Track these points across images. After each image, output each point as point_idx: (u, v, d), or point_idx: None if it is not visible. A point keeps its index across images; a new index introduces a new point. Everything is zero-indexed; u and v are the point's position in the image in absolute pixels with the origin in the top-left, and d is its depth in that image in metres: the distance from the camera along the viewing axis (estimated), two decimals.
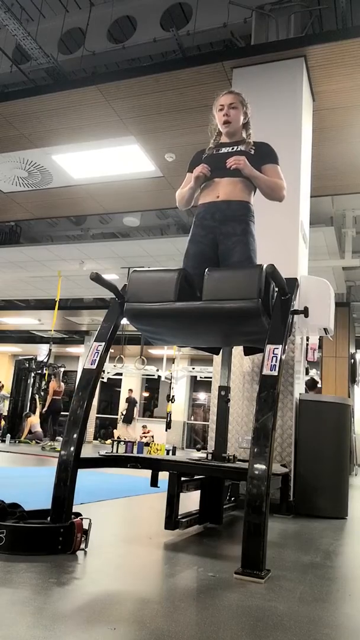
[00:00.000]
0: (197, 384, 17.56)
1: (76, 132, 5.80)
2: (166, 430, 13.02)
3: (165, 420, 12.85)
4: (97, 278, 2.39)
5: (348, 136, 5.37)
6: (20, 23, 5.77)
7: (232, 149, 2.75)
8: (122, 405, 17.01)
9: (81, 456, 2.11)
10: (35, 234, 10.57)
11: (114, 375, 14.27)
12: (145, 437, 14.80)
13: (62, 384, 12.74)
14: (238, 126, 2.79)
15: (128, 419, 14.73)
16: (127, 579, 1.78)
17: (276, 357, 2.09)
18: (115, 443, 10.60)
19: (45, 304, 13.24)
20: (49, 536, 1.88)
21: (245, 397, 3.69)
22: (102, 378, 11.70)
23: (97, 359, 2.29)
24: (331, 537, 2.84)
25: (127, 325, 2.75)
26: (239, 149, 2.73)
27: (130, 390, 15.74)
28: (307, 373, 5.46)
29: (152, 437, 14.94)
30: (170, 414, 12.75)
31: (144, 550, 2.18)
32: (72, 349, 18.41)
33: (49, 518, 2.00)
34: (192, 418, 17.95)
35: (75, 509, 2.03)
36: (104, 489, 4.04)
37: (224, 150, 2.78)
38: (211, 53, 5.84)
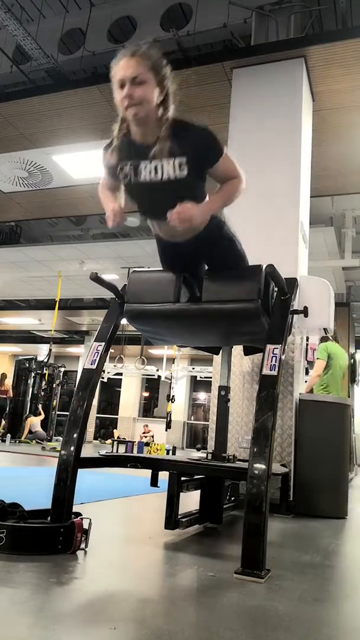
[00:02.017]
0: (197, 384, 17.55)
1: (76, 132, 5.80)
2: (166, 430, 13.01)
3: (165, 420, 12.85)
4: (96, 278, 2.40)
5: (348, 136, 5.37)
6: (21, 23, 5.77)
7: (156, 171, 1.97)
8: (123, 405, 17.03)
9: (81, 456, 2.11)
10: (35, 234, 10.57)
11: (114, 375, 14.26)
12: (146, 437, 14.80)
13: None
14: (151, 109, 1.94)
15: None
16: (127, 578, 1.78)
17: (276, 357, 2.09)
18: (115, 443, 10.62)
19: (45, 304, 13.24)
20: (49, 536, 1.88)
21: (245, 397, 3.69)
22: (102, 378, 11.70)
23: (97, 359, 2.29)
24: (331, 536, 2.84)
25: (127, 325, 2.76)
26: (165, 174, 1.96)
27: None
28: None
29: (152, 437, 14.94)
30: (170, 414, 12.75)
31: (144, 550, 2.18)
32: (72, 349, 18.41)
33: (49, 518, 2.00)
34: (192, 418, 17.94)
35: (75, 508, 2.04)
36: (104, 489, 4.04)
37: (143, 173, 1.98)
38: (211, 53, 5.84)
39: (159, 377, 14.30)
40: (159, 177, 1.98)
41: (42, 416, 12.53)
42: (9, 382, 14.00)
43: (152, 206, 2.12)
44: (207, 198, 2.12)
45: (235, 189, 2.16)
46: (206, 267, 2.40)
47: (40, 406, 12.74)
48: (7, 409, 13.15)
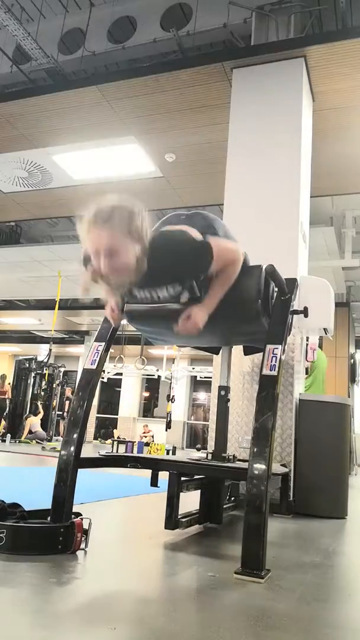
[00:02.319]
0: (197, 384, 17.55)
1: (76, 132, 5.81)
2: (166, 430, 13.01)
3: (165, 420, 12.85)
4: None
5: (348, 136, 5.37)
6: (21, 23, 5.76)
7: (151, 296, 1.90)
8: (123, 405, 17.02)
9: (81, 456, 2.11)
10: (35, 234, 10.57)
11: (114, 375, 14.27)
12: (145, 436, 14.80)
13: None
14: (131, 267, 1.70)
15: None
16: (127, 578, 1.78)
17: (276, 357, 2.09)
18: (115, 443, 10.61)
19: (45, 304, 13.24)
20: (49, 536, 1.88)
21: (245, 397, 3.69)
22: (102, 378, 11.71)
23: (97, 359, 2.29)
24: (331, 537, 2.84)
25: (127, 325, 2.75)
26: (163, 297, 1.90)
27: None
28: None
29: (152, 436, 14.94)
30: (170, 414, 12.75)
31: (144, 550, 2.18)
32: (72, 349, 18.41)
33: (49, 518, 2.00)
34: (192, 418, 17.94)
35: (75, 508, 2.03)
36: (104, 489, 4.04)
37: (138, 297, 1.94)
38: (211, 53, 5.83)
39: (159, 377, 14.31)
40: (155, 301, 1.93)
41: (42, 414, 12.53)
42: (8, 383, 14.04)
43: (157, 326, 2.08)
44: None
45: (234, 271, 2.02)
46: None
47: (40, 405, 12.75)
48: (7, 409, 13.16)
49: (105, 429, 17.66)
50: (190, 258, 1.84)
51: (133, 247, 1.67)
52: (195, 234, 1.89)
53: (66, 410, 12.85)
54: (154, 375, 14.54)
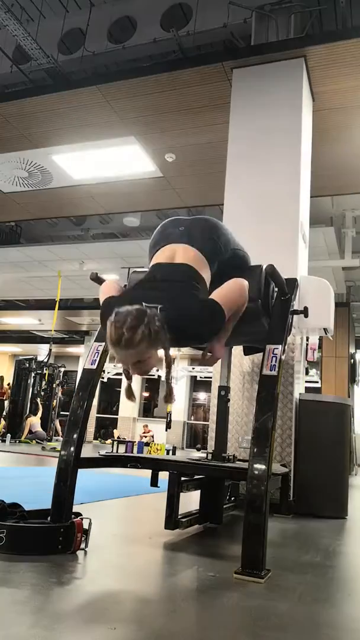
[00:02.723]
0: (197, 384, 17.55)
1: (76, 132, 5.80)
2: (166, 430, 13.02)
3: (165, 420, 12.85)
4: (96, 278, 2.40)
5: (348, 136, 5.37)
6: (21, 23, 5.77)
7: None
8: (123, 405, 17.00)
9: (81, 456, 2.11)
10: (35, 234, 10.57)
11: (114, 375, 14.26)
12: (146, 436, 14.80)
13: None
14: (157, 363, 1.86)
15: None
16: (127, 578, 1.78)
17: (276, 357, 2.09)
18: (115, 443, 10.61)
19: (45, 304, 13.24)
20: (49, 536, 1.88)
21: (245, 397, 3.69)
22: (102, 378, 11.71)
23: (97, 359, 2.29)
24: (331, 537, 2.84)
25: None
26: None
27: None
28: (306, 373, 5.48)
29: (152, 436, 14.94)
30: (170, 414, 12.75)
31: (144, 550, 2.18)
32: (72, 349, 18.41)
33: (49, 518, 2.00)
34: (192, 418, 17.94)
35: (75, 508, 2.03)
36: (104, 489, 4.04)
37: None
38: (211, 53, 5.84)
39: (159, 377, 14.30)
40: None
41: (40, 411, 12.50)
42: (7, 384, 14.04)
43: None
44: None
45: (243, 306, 2.04)
46: None
47: (39, 404, 12.74)
48: (6, 409, 13.16)
49: (105, 429, 17.66)
50: (205, 330, 1.92)
51: (156, 351, 1.80)
52: (200, 289, 1.93)
53: (53, 407, 12.83)
54: (154, 375, 14.53)
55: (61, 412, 13.59)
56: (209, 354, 2.05)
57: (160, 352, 1.81)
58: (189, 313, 1.84)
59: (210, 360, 2.07)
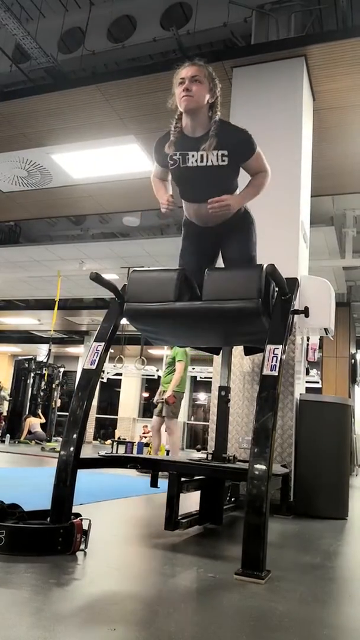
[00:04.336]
0: (197, 384, 17.54)
1: (76, 131, 5.80)
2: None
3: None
4: (96, 278, 2.39)
5: (348, 136, 5.36)
6: (20, 22, 5.75)
7: (201, 159, 2.38)
8: (123, 405, 17.00)
9: (81, 456, 2.10)
10: (35, 233, 10.56)
11: (113, 375, 14.26)
12: (145, 437, 14.78)
13: None
14: (201, 105, 2.34)
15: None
16: (127, 579, 1.78)
17: (276, 357, 2.08)
18: (115, 443, 10.60)
19: (45, 304, 13.23)
20: (48, 537, 1.87)
21: (245, 397, 3.68)
22: (102, 378, 11.70)
23: (97, 359, 2.29)
24: (331, 537, 2.84)
25: (127, 325, 2.75)
26: (209, 161, 2.37)
27: None
28: (307, 373, 5.47)
29: None
30: None
31: (143, 551, 2.17)
32: (72, 349, 18.41)
33: (48, 519, 1.99)
34: (192, 418, 17.93)
35: (75, 509, 2.03)
36: (104, 489, 4.03)
37: (190, 160, 2.39)
38: (211, 52, 5.82)
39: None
40: (204, 163, 2.38)
41: (43, 420, 12.50)
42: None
43: (194, 189, 2.47)
44: (237, 191, 2.52)
45: (263, 182, 2.52)
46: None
47: (40, 412, 12.72)
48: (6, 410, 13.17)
49: (105, 430, 17.65)
50: (242, 142, 2.42)
51: (207, 89, 2.35)
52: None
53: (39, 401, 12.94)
54: (153, 375, 14.53)
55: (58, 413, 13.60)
56: (218, 199, 2.34)
57: (207, 95, 2.36)
58: (234, 126, 2.50)
59: (221, 204, 2.34)
